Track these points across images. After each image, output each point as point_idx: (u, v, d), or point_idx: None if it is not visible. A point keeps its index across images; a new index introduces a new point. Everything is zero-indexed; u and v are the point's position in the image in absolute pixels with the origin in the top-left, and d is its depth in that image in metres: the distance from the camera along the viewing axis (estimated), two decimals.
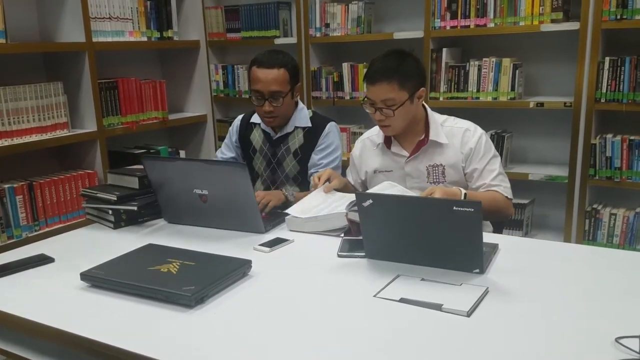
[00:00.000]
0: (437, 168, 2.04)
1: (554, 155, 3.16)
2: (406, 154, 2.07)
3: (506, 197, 1.99)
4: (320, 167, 2.31)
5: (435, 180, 2.04)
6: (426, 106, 2.09)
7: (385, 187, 1.91)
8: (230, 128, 2.51)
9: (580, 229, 2.97)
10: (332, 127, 2.36)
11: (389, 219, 1.56)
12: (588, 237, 2.99)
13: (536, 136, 3.24)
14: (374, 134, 2.17)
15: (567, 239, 2.98)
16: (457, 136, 2.03)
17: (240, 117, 2.50)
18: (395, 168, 2.11)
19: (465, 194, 1.87)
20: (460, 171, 2.02)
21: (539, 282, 1.46)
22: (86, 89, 2.84)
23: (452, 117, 2.10)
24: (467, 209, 1.43)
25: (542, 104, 2.97)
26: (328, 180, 2.02)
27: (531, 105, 2.99)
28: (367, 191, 2.03)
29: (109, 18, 2.89)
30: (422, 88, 1.99)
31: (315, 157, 2.32)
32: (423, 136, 2.04)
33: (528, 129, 3.24)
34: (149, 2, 3.01)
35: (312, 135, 2.32)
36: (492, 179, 1.99)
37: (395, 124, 1.99)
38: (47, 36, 2.80)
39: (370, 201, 1.54)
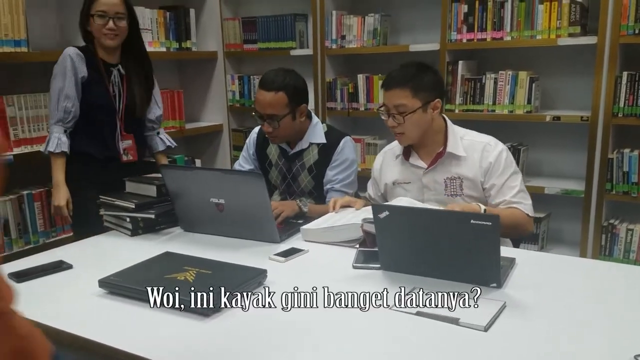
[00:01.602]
0: (455, 180, 2.03)
1: (570, 169, 3.14)
2: (424, 165, 2.06)
3: (527, 214, 1.97)
4: (335, 182, 2.31)
5: (452, 192, 2.03)
6: (446, 118, 2.08)
7: (403, 203, 1.91)
8: (247, 140, 2.51)
9: (596, 244, 2.94)
10: (346, 143, 2.35)
11: (405, 231, 1.56)
12: (604, 252, 2.95)
13: (552, 150, 3.22)
14: (395, 145, 2.18)
15: (583, 254, 2.95)
16: (476, 150, 2.02)
17: (256, 129, 2.48)
18: (413, 180, 2.10)
19: (484, 210, 1.86)
20: (479, 186, 2.01)
21: (557, 298, 1.45)
22: None
23: (474, 132, 2.09)
24: (484, 223, 1.43)
25: (558, 118, 2.96)
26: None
27: (548, 118, 2.98)
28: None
29: None
30: (438, 100, 1.99)
31: (330, 173, 2.31)
32: (442, 148, 2.03)
33: (544, 143, 3.22)
34: (168, 14, 3.05)
35: (327, 151, 2.31)
36: (513, 195, 1.97)
37: (408, 132, 1.99)
38: (67, 45, 2.84)
39: (387, 213, 1.54)
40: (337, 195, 2.27)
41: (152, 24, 2.99)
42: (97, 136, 2.39)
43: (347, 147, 2.33)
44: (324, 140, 2.32)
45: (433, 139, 2.05)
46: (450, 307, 1.37)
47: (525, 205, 1.98)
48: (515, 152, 3.08)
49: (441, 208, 1.83)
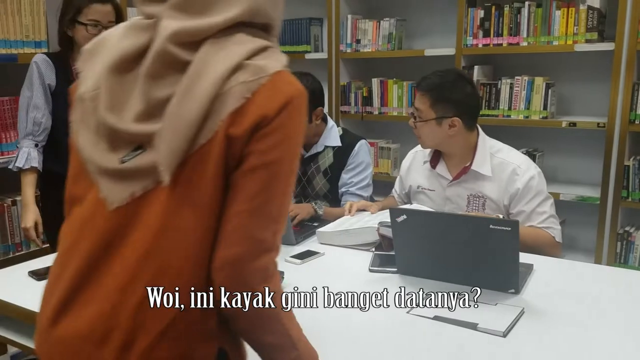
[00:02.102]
0: (478, 199, 1.97)
1: (586, 175, 3.12)
2: (449, 177, 2.01)
3: (553, 237, 1.91)
4: (350, 185, 2.31)
5: (474, 210, 1.97)
6: (480, 133, 2.00)
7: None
8: None
9: (611, 252, 2.91)
10: (362, 146, 2.35)
11: (423, 235, 1.56)
12: (619, 259, 2.93)
13: (568, 156, 3.20)
14: (425, 149, 2.11)
15: (597, 261, 2.92)
16: (505, 172, 1.93)
17: None
18: (438, 189, 2.05)
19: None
20: (501, 208, 1.94)
21: (575, 304, 1.44)
22: None
23: (509, 149, 2.01)
24: (504, 228, 1.42)
25: (574, 124, 2.94)
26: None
27: (563, 124, 2.96)
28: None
29: None
30: (455, 118, 1.90)
31: (345, 177, 2.32)
32: (468, 163, 1.97)
33: (560, 149, 3.20)
34: None
35: (342, 154, 2.32)
36: (541, 221, 1.90)
37: (423, 138, 1.98)
38: None
39: (404, 217, 1.54)
40: (353, 198, 2.27)
41: None
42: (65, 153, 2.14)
43: (363, 151, 2.34)
44: (339, 143, 2.33)
45: (460, 153, 1.99)
46: (468, 312, 1.37)
47: (554, 231, 1.91)
48: (530, 157, 3.05)
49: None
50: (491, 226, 1.43)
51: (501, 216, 1.86)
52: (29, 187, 2.08)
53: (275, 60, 0.89)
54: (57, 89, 2.10)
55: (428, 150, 2.08)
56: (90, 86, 0.92)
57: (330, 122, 2.39)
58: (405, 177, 2.20)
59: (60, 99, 2.09)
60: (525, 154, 3.03)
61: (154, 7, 0.88)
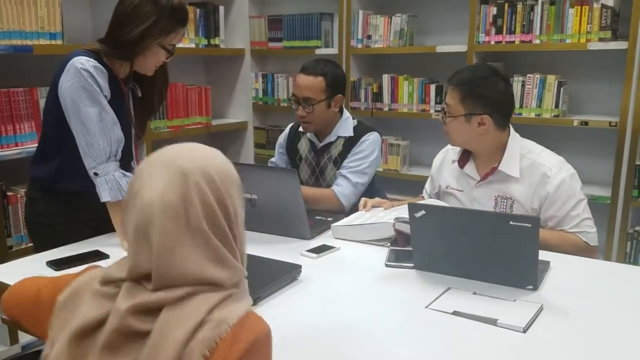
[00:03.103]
0: (506, 200, 1.90)
1: (596, 175, 3.11)
2: (477, 177, 1.95)
3: (586, 242, 1.83)
4: (344, 168, 2.30)
5: (502, 211, 1.91)
6: (512, 133, 1.93)
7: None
8: (280, 137, 2.56)
9: (621, 251, 2.91)
10: (371, 136, 2.34)
11: (442, 230, 1.56)
12: (629, 259, 2.93)
13: (579, 155, 3.17)
14: (456, 147, 2.04)
15: (607, 261, 2.92)
16: (535, 174, 1.86)
17: (290, 125, 2.55)
18: (466, 189, 1.99)
19: None
20: (529, 212, 1.86)
21: (594, 301, 1.44)
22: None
23: (542, 149, 1.94)
24: (524, 224, 1.42)
25: (586, 123, 2.94)
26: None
27: (575, 123, 2.96)
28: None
29: None
30: (485, 116, 1.83)
31: (345, 161, 2.32)
32: (497, 163, 1.90)
33: (571, 148, 3.18)
34: (198, 10, 3.07)
35: (351, 143, 2.33)
36: (574, 225, 1.83)
37: (451, 135, 1.92)
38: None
39: (423, 212, 1.54)
40: (341, 181, 2.28)
41: None
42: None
43: (372, 141, 2.32)
44: (351, 134, 2.34)
45: (489, 152, 1.92)
46: (487, 307, 1.37)
47: (588, 235, 1.84)
48: None
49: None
50: (511, 222, 1.43)
51: None
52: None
53: (240, 304, 0.93)
54: (109, 102, 1.79)
55: (458, 149, 2.02)
56: (56, 352, 0.94)
57: (346, 114, 2.40)
58: (436, 177, 2.13)
59: (119, 110, 1.83)
60: None
61: (118, 274, 0.94)
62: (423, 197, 2.23)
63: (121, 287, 0.93)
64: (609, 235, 2.92)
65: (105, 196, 1.76)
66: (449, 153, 2.10)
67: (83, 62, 1.73)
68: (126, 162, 1.90)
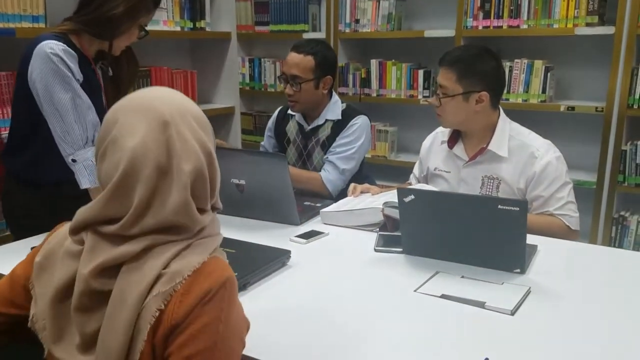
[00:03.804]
0: (492, 181, 1.92)
1: (583, 160, 3.13)
2: (465, 157, 1.97)
3: (568, 226, 1.85)
4: (332, 154, 2.30)
5: (487, 192, 1.93)
6: (502, 114, 1.96)
7: None
8: (270, 120, 2.56)
9: (606, 236, 2.95)
10: (359, 120, 2.32)
11: (430, 215, 1.56)
12: (614, 244, 2.96)
13: (566, 140, 3.17)
14: (446, 129, 2.06)
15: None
16: (523, 154, 1.89)
17: (279, 108, 2.55)
18: (453, 170, 2.01)
19: None
20: (515, 192, 1.89)
21: (581, 284, 1.46)
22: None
23: (530, 132, 1.96)
24: (512, 208, 1.42)
25: (572, 108, 2.95)
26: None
27: (562, 109, 2.98)
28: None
29: None
30: (484, 93, 1.86)
31: (333, 145, 2.31)
32: (487, 143, 1.93)
33: (558, 133, 3.16)
34: None
35: (340, 127, 2.32)
36: (558, 207, 1.85)
37: (445, 116, 1.92)
38: None
39: (412, 197, 1.54)
40: (328, 166, 2.28)
41: (167, 2, 2.95)
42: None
43: (359, 125, 2.32)
44: (339, 117, 2.34)
45: (480, 133, 1.94)
46: (475, 290, 1.38)
47: (571, 218, 1.86)
48: None
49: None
50: (499, 206, 1.44)
51: None
52: None
53: (197, 255, 0.93)
54: (82, 85, 1.75)
55: (447, 131, 2.04)
56: (39, 314, 0.98)
57: (335, 97, 2.40)
58: (424, 159, 2.14)
59: (92, 91, 1.79)
60: None
61: (82, 234, 0.95)
62: (410, 183, 2.23)
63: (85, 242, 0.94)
64: (595, 220, 2.95)
65: (84, 182, 1.72)
66: (439, 135, 2.11)
67: (52, 47, 1.67)
68: None
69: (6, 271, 1.43)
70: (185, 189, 0.92)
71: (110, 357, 0.89)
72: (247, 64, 3.99)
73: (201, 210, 0.97)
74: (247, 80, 4.00)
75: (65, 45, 1.70)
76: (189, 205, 0.93)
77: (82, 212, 0.95)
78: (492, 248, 1.50)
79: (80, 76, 1.73)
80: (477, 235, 1.50)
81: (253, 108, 4.13)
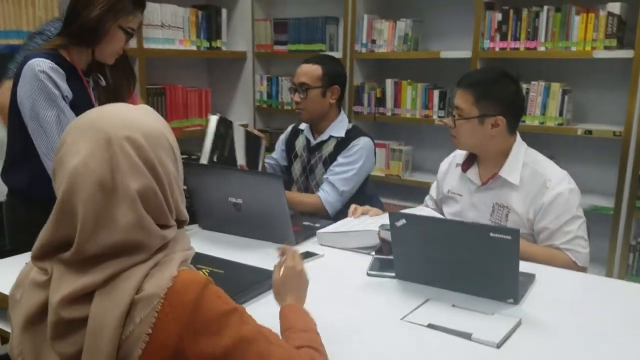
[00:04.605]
0: (502, 209, 1.87)
1: (600, 184, 3.05)
2: (478, 182, 1.93)
3: (574, 262, 1.77)
4: (331, 173, 2.31)
5: (497, 220, 1.89)
6: (518, 140, 1.91)
7: (424, 213, 1.85)
8: (283, 133, 2.64)
9: (623, 263, 2.85)
10: (362, 142, 2.33)
11: (422, 240, 1.53)
12: (632, 272, 2.86)
13: (583, 164, 3.14)
14: (463, 152, 2.02)
15: (609, 273, 2.86)
16: (535, 183, 1.83)
17: (292, 124, 2.62)
18: (465, 194, 1.97)
19: None
20: (524, 222, 1.84)
21: (576, 317, 1.41)
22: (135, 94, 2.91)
23: (546, 160, 1.91)
24: (504, 237, 1.39)
25: (590, 132, 2.88)
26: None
27: (579, 132, 2.91)
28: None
29: (161, 26, 2.97)
30: (500, 117, 1.82)
31: (333, 164, 2.33)
32: (499, 169, 1.88)
33: (575, 156, 3.14)
34: (200, 12, 3.08)
35: (342, 146, 2.34)
36: (565, 241, 1.78)
37: (460, 138, 1.88)
38: None
39: (404, 221, 1.51)
40: (326, 186, 2.28)
41: (184, 22, 3.02)
42: None
43: (361, 147, 2.32)
44: (342, 135, 2.36)
45: (494, 158, 1.89)
46: (463, 320, 1.34)
47: (578, 254, 1.78)
48: None
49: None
50: (491, 234, 1.40)
51: None
52: None
53: (167, 272, 0.93)
54: (73, 100, 1.79)
55: (465, 153, 2.00)
56: (14, 342, 0.99)
57: (343, 116, 2.43)
58: (441, 181, 2.10)
59: (77, 112, 1.76)
60: None
61: (45, 263, 0.95)
62: (427, 205, 2.19)
63: (50, 273, 0.94)
64: (612, 246, 2.86)
65: None
66: (456, 158, 2.08)
67: (40, 64, 1.70)
68: None
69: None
70: (135, 206, 0.91)
71: None
72: (265, 82, 4.02)
73: (162, 226, 0.96)
74: (265, 97, 4.03)
75: (52, 62, 1.73)
76: (143, 221, 0.92)
77: (40, 236, 0.95)
78: (484, 277, 1.47)
79: (68, 92, 1.76)
80: (469, 263, 1.47)
81: (270, 125, 4.16)
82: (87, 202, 0.89)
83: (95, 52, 1.82)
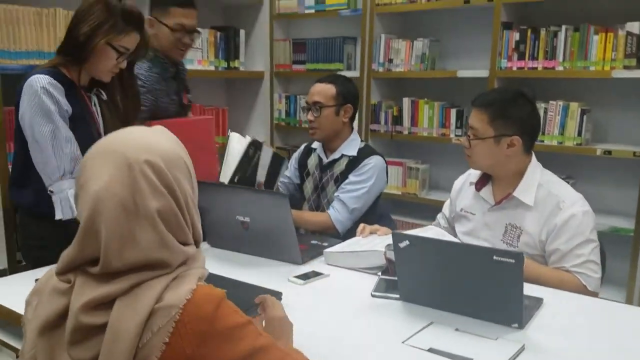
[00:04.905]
0: (514, 229, 1.85)
1: (620, 205, 2.98)
2: (492, 202, 1.91)
3: (585, 286, 1.73)
4: (342, 191, 2.32)
5: (509, 241, 1.86)
6: (533, 159, 1.89)
7: (430, 234, 1.83)
8: (297, 151, 2.66)
9: None
10: (374, 161, 2.34)
11: (426, 262, 1.52)
12: None
13: (602, 185, 3.07)
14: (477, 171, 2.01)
15: (629, 297, 2.78)
16: (548, 204, 1.80)
17: (305, 143, 2.65)
18: (478, 213, 1.95)
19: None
20: (537, 244, 1.81)
21: (584, 345, 1.37)
22: None
23: (561, 182, 1.88)
24: (507, 260, 1.37)
25: (609, 152, 2.83)
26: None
27: (598, 152, 2.86)
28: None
29: None
30: (516, 137, 1.80)
31: (345, 182, 2.34)
32: (513, 189, 1.86)
33: (594, 177, 3.08)
34: (219, 34, 3.14)
35: (354, 164, 2.35)
36: (577, 264, 1.74)
37: (475, 158, 1.87)
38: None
39: (407, 242, 1.50)
40: (336, 204, 2.29)
41: (203, 43, 3.08)
42: None
43: (373, 166, 2.33)
44: (354, 154, 2.37)
45: (509, 178, 1.87)
46: (466, 345, 1.32)
47: (589, 278, 1.73)
48: None
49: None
50: (494, 257, 1.38)
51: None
52: None
53: (186, 285, 0.97)
54: (73, 114, 1.82)
55: (479, 172, 1.98)
56: (27, 347, 1.03)
57: (355, 135, 2.45)
58: (454, 200, 2.09)
59: (76, 124, 1.82)
60: None
61: (69, 275, 0.99)
62: (439, 224, 2.18)
63: (72, 281, 0.98)
64: (632, 269, 2.78)
65: (58, 214, 1.78)
66: (470, 176, 2.06)
67: (39, 80, 1.75)
68: None
69: (7, 302, 1.50)
70: (156, 225, 0.95)
71: None
72: (283, 100, 4.07)
73: (183, 243, 1.01)
74: (283, 115, 4.07)
75: (52, 77, 1.77)
76: (165, 239, 0.96)
77: (64, 255, 0.99)
78: (488, 300, 1.44)
79: (67, 107, 1.79)
80: (473, 286, 1.45)
81: (288, 142, 4.19)
82: (110, 224, 0.93)
83: (88, 69, 1.85)
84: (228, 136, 2.25)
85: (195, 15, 2.29)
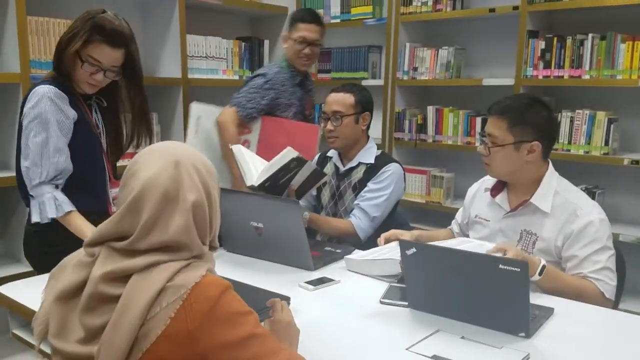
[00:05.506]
0: (530, 236, 1.84)
1: None
2: (507, 208, 1.91)
3: (602, 293, 1.71)
4: (362, 199, 2.33)
5: (524, 247, 1.84)
6: (550, 167, 1.89)
7: (448, 243, 1.82)
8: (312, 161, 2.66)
9: None
10: (392, 168, 2.35)
11: (433, 270, 1.52)
12: None
13: (630, 195, 3.00)
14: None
15: None
16: (565, 211, 1.80)
17: (319, 153, 2.67)
18: (493, 219, 1.95)
19: (544, 266, 1.64)
20: (552, 251, 1.80)
21: (590, 354, 1.35)
22: (178, 121, 3.06)
23: (578, 191, 1.89)
24: (513, 269, 1.36)
25: (637, 162, 2.76)
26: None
27: (625, 162, 2.79)
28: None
29: (205, 57, 3.13)
30: (536, 143, 1.80)
31: (364, 190, 2.35)
32: (530, 196, 1.85)
33: (621, 187, 3.01)
34: (243, 44, 3.21)
35: (372, 172, 2.36)
36: (593, 271, 1.72)
37: (495, 166, 1.86)
38: (149, 71, 3.06)
39: (414, 250, 1.51)
40: (357, 212, 2.31)
41: (228, 53, 3.16)
42: (89, 187, 1.93)
43: (391, 173, 2.34)
44: (372, 161, 2.38)
45: (526, 184, 1.87)
46: (469, 354, 1.32)
47: (606, 285, 1.72)
48: (589, 195, 2.88)
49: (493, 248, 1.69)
50: (500, 266, 1.37)
51: (543, 261, 1.67)
52: (83, 226, 1.81)
53: (197, 270, 1.08)
54: (76, 121, 1.88)
55: (492, 179, 1.99)
56: (41, 313, 1.14)
57: (371, 142, 2.46)
58: (468, 206, 2.09)
59: (77, 129, 1.88)
60: (584, 191, 2.87)
61: (95, 249, 1.11)
62: (451, 229, 2.18)
63: (96, 255, 1.10)
64: None
65: (35, 217, 1.82)
66: (485, 183, 2.06)
67: (44, 91, 1.81)
68: (100, 175, 1.96)
69: (30, 303, 1.56)
70: (188, 214, 1.09)
71: (111, 352, 1.01)
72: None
73: (202, 241, 1.13)
74: None
75: (56, 87, 1.83)
76: (190, 228, 1.09)
77: (100, 228, 1.12)
78: (495, 309, 1.43)
79: (72, 112, 1.86)
80: (479, 294, 1.44)
81: None
82: (151, 207, 1.07)
83: (72, 80, 1.88)
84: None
85: (318, 30, 2.71)
